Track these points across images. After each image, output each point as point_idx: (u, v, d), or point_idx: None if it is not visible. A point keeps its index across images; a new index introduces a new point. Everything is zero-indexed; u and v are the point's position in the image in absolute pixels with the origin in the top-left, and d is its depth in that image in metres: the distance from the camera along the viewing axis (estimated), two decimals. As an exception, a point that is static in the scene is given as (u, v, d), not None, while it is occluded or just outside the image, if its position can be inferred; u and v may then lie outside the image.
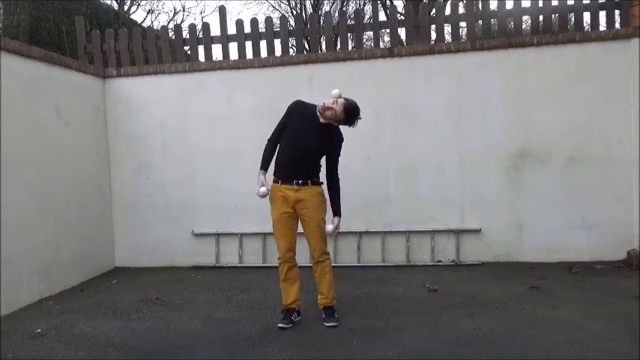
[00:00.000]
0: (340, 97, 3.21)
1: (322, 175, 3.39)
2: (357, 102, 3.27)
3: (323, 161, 3.40)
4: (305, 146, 3.24)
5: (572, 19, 5.01)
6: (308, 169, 3.31)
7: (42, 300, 4.13)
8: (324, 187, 3.37)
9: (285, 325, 3.30)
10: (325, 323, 3.31)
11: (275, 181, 3.36)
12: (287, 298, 3.39)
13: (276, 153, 3.38)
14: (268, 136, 3.41)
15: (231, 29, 5.32)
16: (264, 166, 3.37)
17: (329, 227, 3.26)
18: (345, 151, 3.50)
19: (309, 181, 3.29)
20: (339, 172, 3.41)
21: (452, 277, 4.39)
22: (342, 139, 3.37)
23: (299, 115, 3.29)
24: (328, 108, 3.17)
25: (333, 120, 3.23)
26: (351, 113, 3.21)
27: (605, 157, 4.67)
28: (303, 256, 3.52)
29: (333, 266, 4.80)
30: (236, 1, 23.05)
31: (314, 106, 3.29)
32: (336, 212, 3.33)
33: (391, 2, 15.37)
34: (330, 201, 3.36)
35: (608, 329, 3.02)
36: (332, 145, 3.32)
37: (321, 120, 3.24)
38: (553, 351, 2.75)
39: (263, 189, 3.27)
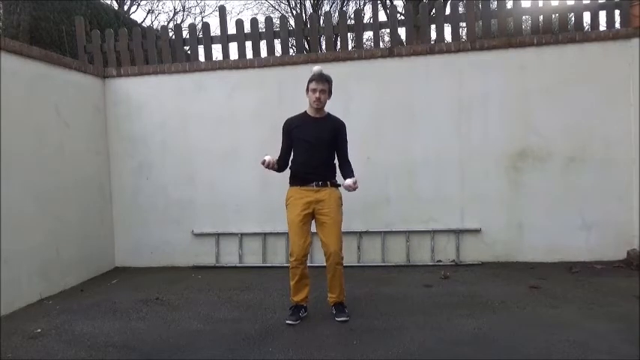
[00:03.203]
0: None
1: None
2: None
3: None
4: (315, 143, 3.35)
5: (572, 19, 5.00)
6: (324, 168, 3.40)
7: (42, 300, 4.13)
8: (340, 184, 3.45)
9: (293, 322, 3.34)
10: (337, 319, 3.36)
11: (293, 185, 3.44)
12: (298, 295, 3.42)
13: (289, 166, 3.49)
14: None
15: (231, 29, 5.32)
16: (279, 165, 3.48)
17: (348, 180, 3.25)
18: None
19: (328, 182, 3.39)
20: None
21: (452, 277, 4.39)
22: (343, 124, 3.49)
23: (295, 126, 3.44)
24: (319, 96, 3.31)
25: (328, 92, 3.38)
26: (328, 76, 3.39)
27: (605, 157, 4.67)
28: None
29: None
30: (236, 1, 23.04)
31: (302, 112, 3.47)
32: (351, 175, 3.34)
33: (391, 2, 15.37)
34: (343, 173, 3.41)
35: (608, 329, 3.02)
36: (336, 130, 3.43)
37: (317, 115, 3.41)
38: (553, 351, 2.75)
39: (268, 156, 3.31)
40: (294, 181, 3.44)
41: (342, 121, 3.48)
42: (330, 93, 3.41)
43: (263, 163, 3.33)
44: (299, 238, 3.33)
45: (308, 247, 3.39)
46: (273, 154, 3.48)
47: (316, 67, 3.36)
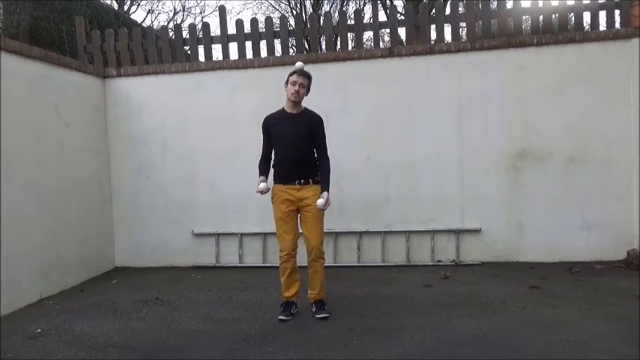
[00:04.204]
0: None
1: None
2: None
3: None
4: (292, 141, 3.37)
5: (572, 19, 5.00)
6: (304, 165, 3.42)
7: (42, 300, 4.13)
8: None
9: (286, 318, 3.40)
10: (317, 315, 3.41)
11: (277, 183, 3.47)
12: (289, 291, 3.49)
13: (271, 165, 3.52)
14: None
15: (231, 29, 5.32)
16: (264, 174, 3.51)
17: (320, 201, 3.26)
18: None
19: (310, 180, 3.41)
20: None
21: (452, 277, 4.39)
22: (320, 119, 3.48)
23: (273, 123, 3.46)
24: (298, 89, 3.31)
25: (307, 88, 3.38)
26: (308, 73, 3.40)
27: (605, 157, 4.67)
28: (303, 256, 3.53)
29: (333, 266, 4.85)
30: (236, 1, 23.05)
31: (280, 109, 3.49)
32: (324, 187, 3.36)
33: (391, 2, 15.37)
34: (319, 177, 3.43)
35: (608, 329, 3.02)
36: (313, 125, 3.42)
37: (293, 111, 3.41)
38: (553, 351, 2.75)
39: (262, 184, 3.38)
40: (277, 179, 3.46)
41: (318, 116, 3.48)
42: (308, 90, 3.41)
43: (261, 192, 3.37)
44: (287, 234, 3.41)
45: (296, 242, 3.44)
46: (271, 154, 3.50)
47: (299, 63, 3.36)
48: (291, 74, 3.37)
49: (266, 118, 3.52)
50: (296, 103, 3.39)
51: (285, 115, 3.44)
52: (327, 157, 3.47)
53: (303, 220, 3.42)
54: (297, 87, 3.32)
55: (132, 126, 5.28)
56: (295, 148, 3.37)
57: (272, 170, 3.53)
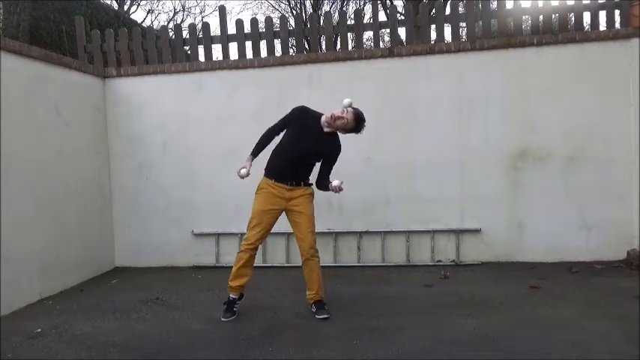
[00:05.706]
0: (350, 105, 3.32)
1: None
2: (359, 105, 3.42)
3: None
4: (303, 151, 3.33)
5: (572, 19, 5.00)
6: (302, 172, 3.42)
7: (42, 300, 4.13)
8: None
9: (228, 319, 3.43)
10: (317, 316, 3.39)
11: (267, 177, 3.44)
12: (236, 281, 3.46)
13: (271, 153, 3.47)
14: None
15: (231, 29, 5.32)
16: (255, 153, 3.45)
17: (336, 182, 3.26)
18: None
19: (302, 182, 3.42)
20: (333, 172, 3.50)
21: (452, 277, 4.39)
22: (340, 149, 3.45)
23: (301, 120, 3.38)
24: (339, 117, 3.27)
25: (342, 128, 3.33)
26: (360, 120, 3.34)
27: (605, 157, 4.66)
28: (296, 255, 3.53)
29: (333, 266, 4.84)
30: (236, 1, 23.05)
31: (318, 114, 3.40)
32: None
33: (391, 2, 15.38)
34: (319, 184, 3.44)
35: (608, 329, 3.02)
36: (330, 153, 3.41)
37: (326, 129, 3.35)
38: (553, 351, 2.75)
39: (244, 170, 3.35)
40: (269, 173, 3.43)
41: (339, 145, 3.44)
42: (347, 129, 3.33)
43: (241, 177, 3.36)
44: (260, 227, 3.38)
45: (263, 238, 3.45)
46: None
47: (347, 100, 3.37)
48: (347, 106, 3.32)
49: (303, 108, 3.40)
50: (329, 124, 3.32)
51: (317, 123, 3.35)
52: (329, 180, 3.39)
53: (294, 221, 3.41)
54: (337, 113, 3.25)
55: (132, 126, 5.27)
56: (301, 158, 3.34)
57: (263, 164, 3.49)
